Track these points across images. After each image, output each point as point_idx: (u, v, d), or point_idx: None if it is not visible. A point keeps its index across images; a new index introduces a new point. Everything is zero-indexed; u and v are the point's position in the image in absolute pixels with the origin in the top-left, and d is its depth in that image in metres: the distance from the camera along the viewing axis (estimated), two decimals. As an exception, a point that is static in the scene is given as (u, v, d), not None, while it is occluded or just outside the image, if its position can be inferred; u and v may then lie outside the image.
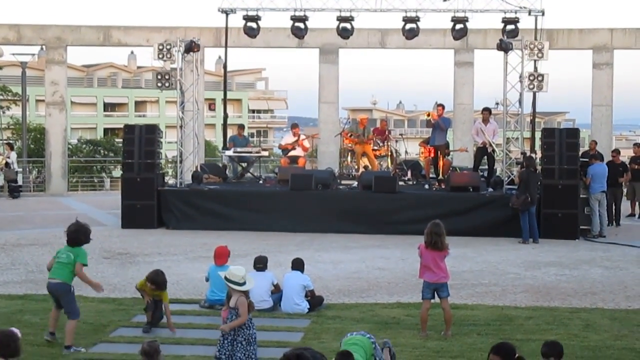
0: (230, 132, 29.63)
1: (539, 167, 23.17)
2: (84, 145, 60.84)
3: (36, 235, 21.86)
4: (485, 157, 25.18)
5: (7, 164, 31.94)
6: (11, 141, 39.30)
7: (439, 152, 25.39)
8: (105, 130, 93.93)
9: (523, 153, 23.91)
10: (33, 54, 40.07)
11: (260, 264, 14.01)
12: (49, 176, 33.76)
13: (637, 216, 26.55)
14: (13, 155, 32.69)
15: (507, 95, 24.53)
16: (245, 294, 9.88)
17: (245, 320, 9.80)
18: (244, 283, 9.92)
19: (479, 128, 24.92)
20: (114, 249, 19.73)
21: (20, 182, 34.06)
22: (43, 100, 37.45)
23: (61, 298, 11.62)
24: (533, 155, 24.23)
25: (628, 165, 26.07)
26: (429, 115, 25.92)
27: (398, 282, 16.01)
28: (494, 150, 25.08)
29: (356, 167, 26.49)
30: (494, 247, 20.83)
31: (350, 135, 26.49)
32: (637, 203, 26.64)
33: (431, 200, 23.27)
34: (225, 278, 9.97)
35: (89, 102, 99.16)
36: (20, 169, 34.58)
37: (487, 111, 25.21)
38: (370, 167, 26.14)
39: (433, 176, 25.76)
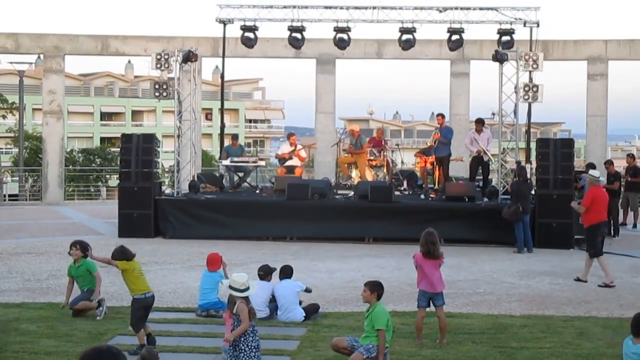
0: (226, 142, 29.72)
1: (533, 177, 23.29)
2: (79, 155, 60.87)
3: (33, 244, 21.92)
4: (480, 166, 25.25)
5: None
6: None
7: (435, 163, 25.52)
8: (102, 140, 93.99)
9: (517, 162, 24.04)
10: (30, 63, 40.21)
11: (262, 272, 14.12)
12: (45, 185, 33.83)
13: (631, 226, 26.68)
14: None
15: (502, 106, 24.66)
16: (246, 300, 9.97)
17: (247, 326, 9.87)
18: (246, 289, 10.00)
19: (472, 137, 24.99)
20: (111, 258, 19.73)
21: (16, 191, 34.11)
22: (40, 109, 37.49)
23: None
24: (528, 165, 24.35)
25: (622, 176, 26.19)
26: (430, 144, 26.05)
27: (393, 291, 16.07)
28: (489, 159, 25.18)
29: (345, 176, 26.84)
30: (489, 256, 20.95)
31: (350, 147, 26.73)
32: (630, 212, 26.78)
33: (427, 210, 23.38)
34: (229, 285, 10.09)
35: (86, 112, 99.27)
36: (9, 180, 34.55)
37: (480, 123, 25.29)
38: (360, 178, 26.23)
39: (431, 186, 25.92)
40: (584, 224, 17.97)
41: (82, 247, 14.03)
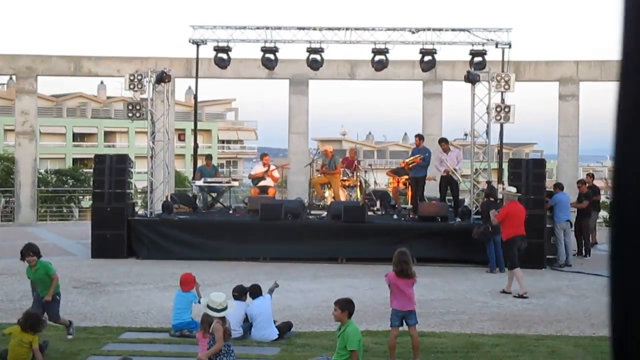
0: (200, 163, 29.74)
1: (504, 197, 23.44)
2: (52, 176, 60.65)
3: (6, 264, 21.81)
4: (449, 186, 25.32)
5: None
6: None
7: (409, 183, 25.58)
8: (74, 160, 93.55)
9: (487, 182, 24.17)
10: (3, 84, 40.12)
11: (237, 292, 14.16)
12: (18, 206, 33.68)
13: (599, 245, 26.91)
14: None
15: (474, 127, 24.82)
16: (222, 320, 10.00)
17: (221, 346, 9.90)
18: (223, 309, 10.05)
19: (440, 158, 25.11)
20: (83, 279, 19.73)
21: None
22: (12, 130, 37.41)
23: None
24: (500, 185, 24.49)
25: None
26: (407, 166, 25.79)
27: (367, 311, 16.14)
28: (458, 179, 25.28)
29: (318, 196, 26.87)
30: (461, 276, 21.06)
31: (323, 167, 26.83)
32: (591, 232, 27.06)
33: (400, 229, 23.49)
34: (207, 305, 10.14)
35: (58, 132, 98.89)
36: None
37: (444, 142, 25.46)
38: (334, 198, 26.31)
39: (404, 206, 25.99)
40: (502, 237, 19.19)
41: (34, 252, 13.94)
